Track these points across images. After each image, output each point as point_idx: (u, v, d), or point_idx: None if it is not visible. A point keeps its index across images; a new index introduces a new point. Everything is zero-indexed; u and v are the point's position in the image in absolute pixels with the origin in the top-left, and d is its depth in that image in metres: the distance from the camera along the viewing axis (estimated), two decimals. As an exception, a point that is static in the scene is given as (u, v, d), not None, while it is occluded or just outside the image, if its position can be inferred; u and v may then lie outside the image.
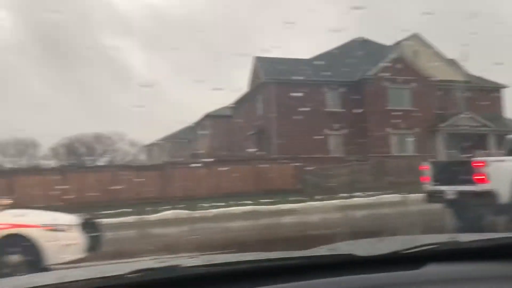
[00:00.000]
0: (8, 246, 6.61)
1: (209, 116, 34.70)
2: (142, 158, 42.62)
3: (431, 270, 1.37)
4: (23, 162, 35.11)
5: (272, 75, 26.39)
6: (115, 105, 53.96)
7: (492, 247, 1.50)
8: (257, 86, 28.72)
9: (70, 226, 7.09)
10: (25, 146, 39.15)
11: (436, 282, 1.32)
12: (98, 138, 40.82)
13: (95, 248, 7.11)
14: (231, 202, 17.14)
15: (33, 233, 6.75)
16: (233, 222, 13.62)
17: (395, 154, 25.60)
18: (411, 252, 1.45)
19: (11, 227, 6.76)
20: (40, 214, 7.69)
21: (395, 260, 1.41)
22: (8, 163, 34.04)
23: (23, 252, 6.59)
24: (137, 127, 37.11)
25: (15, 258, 6.53)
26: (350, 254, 1.46)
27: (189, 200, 17.71)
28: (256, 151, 27.48)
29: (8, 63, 45.79)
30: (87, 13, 58.08)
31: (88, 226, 7.23)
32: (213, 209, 16.24)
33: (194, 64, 58.39)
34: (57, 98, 53.95)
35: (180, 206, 16.57)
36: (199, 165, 21.65)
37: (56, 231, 6.91)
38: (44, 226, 6.92)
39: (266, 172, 21.21)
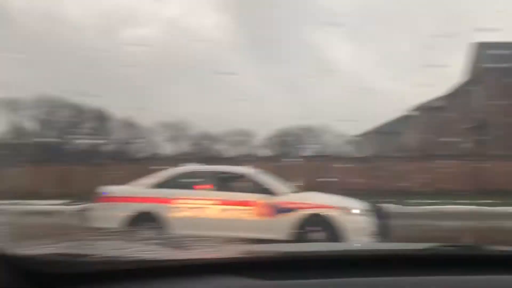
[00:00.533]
0: (311, 224, 7.38)
1: (419, 108, 32.95)
2: (349, 149, 43.04)
3: None
4: (243, 151, 39.12)
5: (497, 62, 23.40)
6: (322, 97, 55.64)
7: None
8: (477, 74, 26.03)
9: (362, 210, 7.59)
10: (245, 136, 43.59)
11: None
12: (307, 129, 42.80)
13: (384, 233, 7.36)
14: (445, 200, 16.02)
15: (333, 214, 7.39)
16: (447, 222, 12.68)
17: None
18: None
19: (314, 207, 7.52)
20: (333, 198, 8.31)
21: None
22: (230, 151, 38.59)
23: (323, 231, 7.26)
24: (343, 119, 37.55)
25: (316, 235, 7.20)
26: None
27: (398, 195, 17.20)
28: (473, 146, 25.08)
29: (228, 61, 51.52)
30: (292, 8, 61.15)
31: (377, 213, 7.64)
32: (425, 206, 15.43)
33: (402, 52, 56.20)
34: (269, 92, 58.42)
35: (388, 200, 16.21)
36: (409, 158, 20.79)
37: (351, 214, 7.47)
38: (341, 208, 7.53)
39: (486, 169, 19.17)
